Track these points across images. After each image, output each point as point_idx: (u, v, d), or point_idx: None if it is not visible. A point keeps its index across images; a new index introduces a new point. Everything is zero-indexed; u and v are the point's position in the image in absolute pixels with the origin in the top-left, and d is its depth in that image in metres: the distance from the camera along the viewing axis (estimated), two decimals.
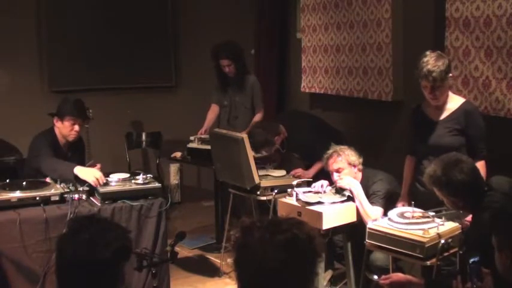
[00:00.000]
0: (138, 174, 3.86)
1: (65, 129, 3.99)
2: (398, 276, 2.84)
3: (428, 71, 3.40)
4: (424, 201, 3.35)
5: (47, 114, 4.09)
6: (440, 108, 3.55)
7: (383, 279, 2.82)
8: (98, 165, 3.95)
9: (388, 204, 3.67)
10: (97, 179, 3.68)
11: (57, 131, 4.03)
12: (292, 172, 4.41)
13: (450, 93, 3.58)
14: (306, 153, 4.63)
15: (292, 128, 4.58)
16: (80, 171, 3.73)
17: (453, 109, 3.53)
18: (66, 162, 3.87)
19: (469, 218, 3.09)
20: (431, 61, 3.42)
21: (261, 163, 4.49)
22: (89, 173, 3.73)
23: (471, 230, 2.95)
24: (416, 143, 3.67)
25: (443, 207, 3.23)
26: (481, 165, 3.34)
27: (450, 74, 3.49)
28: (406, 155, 3.78)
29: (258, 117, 5.20)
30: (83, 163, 4.06)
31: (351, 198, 3.67)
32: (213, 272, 4.71)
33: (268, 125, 4.58)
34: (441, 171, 2.90)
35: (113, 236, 1.88)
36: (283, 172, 4.39)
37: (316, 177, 4.08)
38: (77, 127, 3.99)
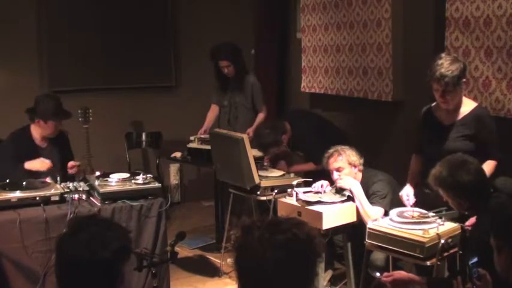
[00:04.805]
0: (138, 174, 3.86)
1: (49, 129, 4.10)
2: (401, 274, 2.84)
3: (441, 75, 3.31)
4: (433, 204, 3.32)
5: (26, 112, 4.15)
6: (452, 112, 3.48)
7: (385, 277, 2.82)
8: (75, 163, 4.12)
9: (388, 204, 3.67)
10: (46, 164, 3.91)
11: (34, 129, 4.12)
12: (278, 165, 4.54)
13: (463, 98, 3.51)
14: (306, 152, 4.67)
15: (295, 126, 4.61)
16: (29, 164, 3.92)
17: (464, 114, 3.46)
18: (11, 164, 3.96)
19: (470, 222, 3.08)
20: (445, 64, 3.33)
21: (261, 163, 4.52)
22: (37, 164, 3.94)
23: (475, 231, 2.94)
24: (425, 145, 3.61)
25: (444, 207, 3.23)
26: (491, 164, 3.31)
27: (464, 80, 3.42)
28: (412, 154, 3.72)
29: (261, 117, 5.20)
30: (66, 153, 4.23)
31: (351, 198, 3.67)
32: (213, 272, 4.71)
33: (275, 125, 4.62)
34: (447, 172, 2.87)
35: (112, 236, 1.88)
36: (282, 172, 4.40)
37: (312, 176, 4.08)
38: (58, 126, 4.13)
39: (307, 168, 4.56)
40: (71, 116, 4.18)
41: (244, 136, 4.11)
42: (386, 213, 3.48)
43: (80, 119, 4.27)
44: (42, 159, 3.96)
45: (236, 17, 6.43)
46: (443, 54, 3.45)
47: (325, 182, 3.80)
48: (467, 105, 3.50)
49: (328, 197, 3.67)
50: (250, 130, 4.93)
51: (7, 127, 5.44)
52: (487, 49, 3.94)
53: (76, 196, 3.63)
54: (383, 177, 3.83)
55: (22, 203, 3.52)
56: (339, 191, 3.73)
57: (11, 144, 4.10)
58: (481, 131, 3.42)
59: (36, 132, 4.12)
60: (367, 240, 3.23)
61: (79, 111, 4.29)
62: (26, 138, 4.11)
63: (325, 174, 3.93)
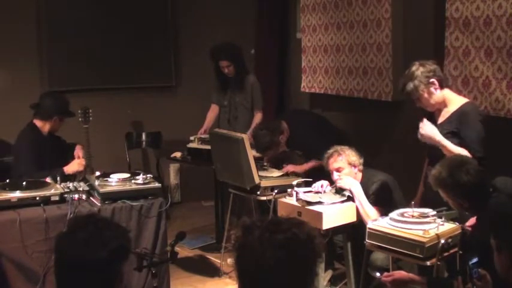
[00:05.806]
0: (138, 174, 3.86)
1: (59, 125, 4.23)
2: (401, 274, 2.84)
3: (403, 85, 3.41)
4: (434, 204, 3.32)
5: (34, 108, 4.23)
6: (441, 111, 3.50)
7: (385, 277, 2.82)
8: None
9: (386, 204, 3.67)
10: (82, 165, 4.06)
11: (43, 125, 4.18)
12: (284, 169, 4.41)
13: (450, 96, 3.50)
14: (306, 151, 4.65)
15: (294, 125, 4.60)
16: (68, 169, 4.03)
17: (451, 112, 3.46)
18: (52, 172, 3.96)
19: (470, 222, 3.08)
20: (406, 73, 3.40)
21: (262, 163, 4.51)
22: (74, 165, 4.07)
23: (475, 231, 2.94)
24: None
25: (444, 207, 3.23)
26: None
27: (431, 80, 3.39)
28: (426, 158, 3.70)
29: (258, 117, 5.20)
30: (64, 146, 4.36)
31: (351, 198, 3.66)
32: (213, 272, 4.71)
33: (271, 125, 4.60)
34: (447, 173, 2.87)
35: (111, 235, 1.88)
36: (282, 172, 4.39)
37: (312, 176, 4.07)
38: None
39: (311, 166, 4.51)
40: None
41: (244, 136, 4.11)
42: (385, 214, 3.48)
43: (80, 119, 4.27)
44: (76, 160, 4.13)
45: (236, 17, 6.43)
46: (415, 62, 3.46)
47: (325, 182, 3.79)
48: (455, 103, 3.48)
49: (328, 197, 3.67)
50: (250, 134, 4.90)
51: (7, 127, 5.46)
52: (487, 49, 3.94)
53: (76, 196, 3.63)
54: (383, 177, 3.83)
55: (22, 203, 3.52)
56: (339, 191, 3.73)
57: (30, 145, 4.13)
58: (462, 127, 3.38)
59: (44, 128, 4.20)
60: (367, 240, 3.23)
61: (79, 111, 4.29)
62: (38, 135, 4.19)
63: (325, 174, 3.93)
